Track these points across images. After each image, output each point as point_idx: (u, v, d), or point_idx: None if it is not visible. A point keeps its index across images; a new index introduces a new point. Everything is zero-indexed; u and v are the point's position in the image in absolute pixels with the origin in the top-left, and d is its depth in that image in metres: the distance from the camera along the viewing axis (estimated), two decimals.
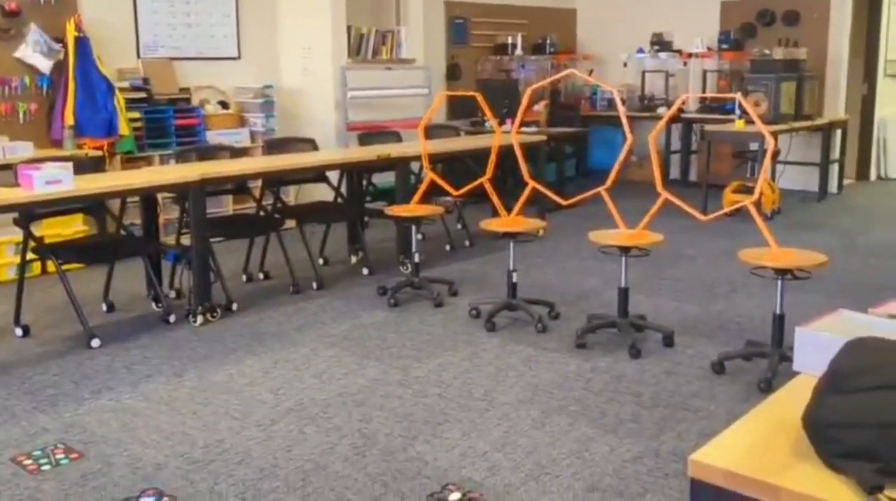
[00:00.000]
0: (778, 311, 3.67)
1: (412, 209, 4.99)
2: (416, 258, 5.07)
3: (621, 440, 3.15)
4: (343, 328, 4.52)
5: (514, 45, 9.35)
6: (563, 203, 4.39)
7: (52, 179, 4.00)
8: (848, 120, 8.70)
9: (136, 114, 6.32)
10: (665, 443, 3.12)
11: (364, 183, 6.19)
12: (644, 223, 4.07)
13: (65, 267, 4.39)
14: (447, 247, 6.32)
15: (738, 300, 4.94)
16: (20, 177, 4.07)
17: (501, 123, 8.49)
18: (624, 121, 4.15)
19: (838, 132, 8.54)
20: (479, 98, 4.82)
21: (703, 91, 9.28)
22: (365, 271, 5.66)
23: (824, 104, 8.60)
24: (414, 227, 5.07)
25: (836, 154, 8.54)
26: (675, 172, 9.56)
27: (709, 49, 9.23)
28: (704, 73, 9.32)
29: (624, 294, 4.14)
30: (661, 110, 9.41)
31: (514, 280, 4.54)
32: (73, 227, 5.63)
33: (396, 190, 5.70)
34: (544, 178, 6.44)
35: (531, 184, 4.42)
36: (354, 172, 5.93)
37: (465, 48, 9.09)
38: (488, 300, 4.74)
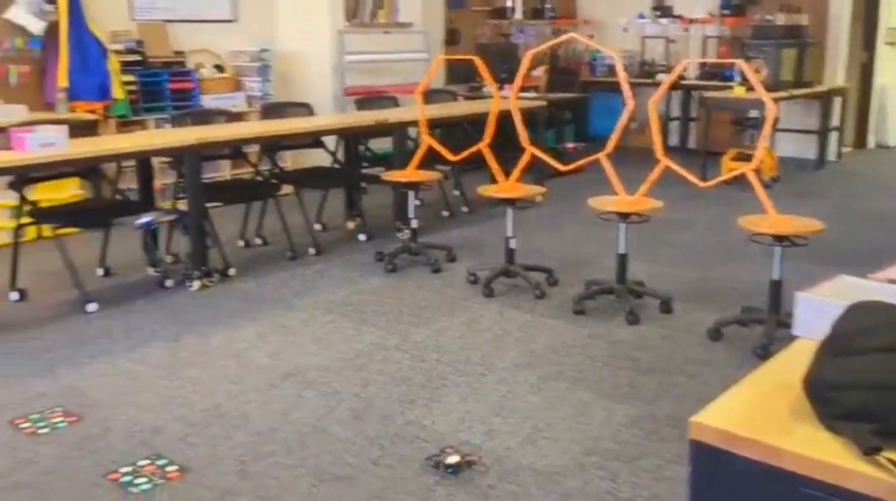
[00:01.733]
0: (775, 278, 3.66)
1: (409, 174, 4.96)
2: (414, 224, 5.05)
3: (618, 404, 3.16)
4: (341, 294, 4.52)
5: (512, 9, 9.24)
6: (562, 169, 4.37)
7: (46, 142, 3.96)
8: (848, 87, 8.63)
9: (131, 78, 6.25)
10: (661, 408, 3.13)
11: (361, 148, 6.14)
12: (643, 190, 4.05)
13: (60, 231, 4.37)
14: (445, 213, 6.30)
15: (736, 267, 4.93)
16: (13, 140, 4.02)
17: (500, 88, 8.44)
18: (624, 86, 4.11)
19: (837, 100, 8.48)
20: (478, 62, 4.76)
21: (704, 57, 9.20)
22: (362, 237, 5.65)
23: (824, 71, 8.53)
24: (411, 193, 5.03)
25: (835, 122, 8.49)
26: (674, 139, 9.51)
27: (710, 15, 9.12)
28: (705, 39, 9.22)
29: (622, 260, 4.13)
30: (660, 76, 9.30)
31: (512, 246, 4.53)
32: (69, 192, 5.59)
33: (394, 155, 5.66)
34: (543, 144, 6.39)
35: (529, 149, 4.39)
36: (352, 138, 5.88)
37: (463, 12, 8.99)
38: (486, 266, 4.73)
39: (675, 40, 9.46)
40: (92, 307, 4.23)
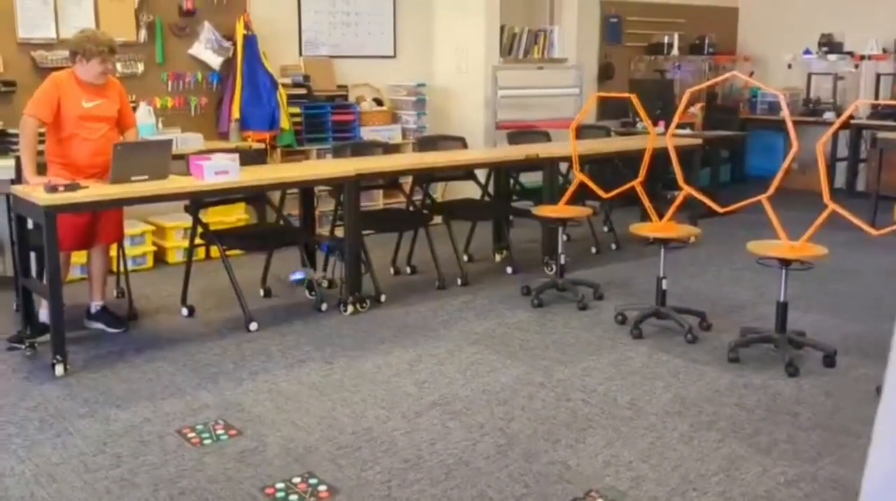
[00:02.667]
0: None
1: (560, 210, 4.95)
2: (562, 259, 5.02)
3: (775, 461, 3.00)
4: (487, 325, 4.55)
5: (669, 45, 9.09)
6: (720, 210, 4.23)
7: (221, 170, 4.24)
8: None
9: (297, 110, 6.60)
10: (823, 469, 2.94)
11: (511, 181, 6.19)
12: (808, 235, 3.85)
13: (228, 252, 4.64)
14: (593, 250, 6.23)
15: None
16: (192, 167, 4.34)
17: (654, 124, 8.31)
18: (790, 126, 3.94)
19: None
20: (634, 99, 4.71)
21: (876, 96, 8.68)
22: (509, 270, 5.67)
23: None
24: (561, 229, 5.02)
25: None
26: (840, 181, 9.01)
27: (884, 51, 8.62)
28: (878, 76, 8.71)
29: (783, 308, 3.93)
30: (827, 115, 8.88)
31: (664, 287, 4.41)
32: (236, 215, 5.95)
33: (543, 190, 5.67)
34: (697, 183, 6.21)
35: (686, 189, 4.28)
36: (502, 171, 5.94)
37: (618, 47, 8.92)
38: (635, 306, 4.63)
39: (844, 77, 8.99)
40: (253, 326, 4.46)
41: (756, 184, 5.86)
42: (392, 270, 5.66)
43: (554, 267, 5.53)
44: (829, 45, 9.07)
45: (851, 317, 4.66)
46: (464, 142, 6.08)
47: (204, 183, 4.18)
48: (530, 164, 5.71)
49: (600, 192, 4.84)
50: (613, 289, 5.18)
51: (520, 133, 6.51)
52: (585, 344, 4.24)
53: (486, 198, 5.91)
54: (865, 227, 3.80)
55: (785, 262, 3.86)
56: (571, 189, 4.94)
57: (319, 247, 5.01)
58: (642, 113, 4.70)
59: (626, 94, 4.84)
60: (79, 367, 3.92)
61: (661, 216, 4.46)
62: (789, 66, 9.23)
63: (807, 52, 9.20)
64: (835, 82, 9.04)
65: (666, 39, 9.08)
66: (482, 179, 5.92)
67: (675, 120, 4.42)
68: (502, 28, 7.62)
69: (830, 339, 4.18)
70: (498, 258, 6.03)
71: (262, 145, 6.23)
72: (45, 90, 4.14)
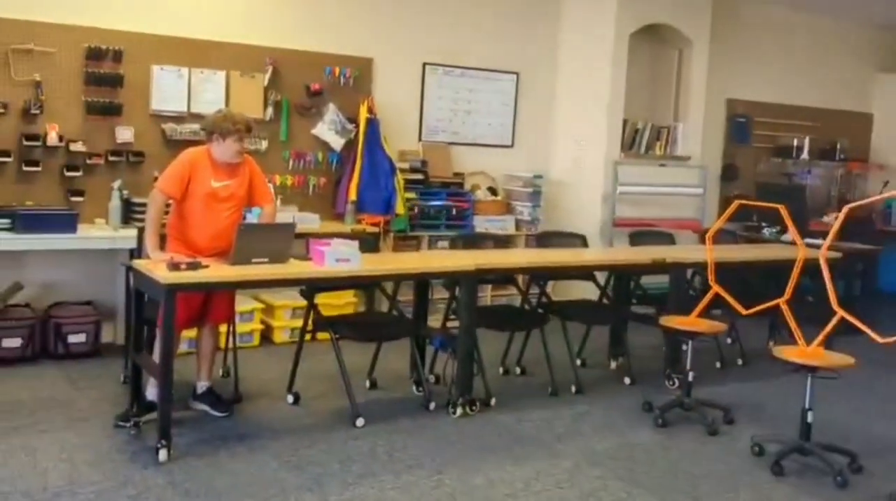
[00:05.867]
0: None
1: (691, 322, 4.60)
2: (690, 376, 4.64)
3: None
4: (607, 444, 4.19)
5: (799, 148, 8.68)
6: (881, 340, 3.78)
7: (342, 257, 4.11)
8: None
9: (413, 195, 6.50)
10: None
11: (631, 284, 5.86)
12: None
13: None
14: (717, 365, 5.80)
15: None
16: (312, 252, 4.22)
17: (783, 232, 7.86)
18: None
19: None
20: (783, 211, 4.37)
21: None
22: (626, 380, 5.31)
23: None
24: (690, 343, 4.64)
25: None
26: None
27: None
28: None
29: None
30: None
31: (810, 420, 3.97)
32: (345, 299, 5.82)
33: (669, 297, 5.33)
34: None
35: (840, 312, 3.88)
36: (623, 273, 5.63)
37: (744, 147, 8.58)
38: (773, 437, 4.18)
39: None
40: (360, 422, 4.23)
41: (890, 301, 5.34)
42: (501, 370, 5.38)
43: (677, 382, 5.15)
44: None
45: None
46: (584, 239, 5.83)
47: (324, 269, 4.05)
48: (653, 268, 5.39)
49: (738, 307, 4.47)
50: (744, 414, 4.73)
51: (642, 233, 6.20)
52: (720, 478, 3.82)
53: (605, 301, 5.61)
54: None
55: None
56: (706, 300, 4.59)
57: (431, 341, 4.79)
58: (791, 224, 4.35)
59: (775, 205, 4.50)
60: (182, 451, 3.76)
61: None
62: None
63: None
64: None
65: (795, 142, 8.68)
66: (601, 279, 5.64)
67: (832, 236, 4.05)
68: (625, 122, 7.42)
69: None
70: (613, 365, 5.67)
71: (377, 229, 6.14)
72: (179, 166, 4.13)
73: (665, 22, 7.46)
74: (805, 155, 8.67)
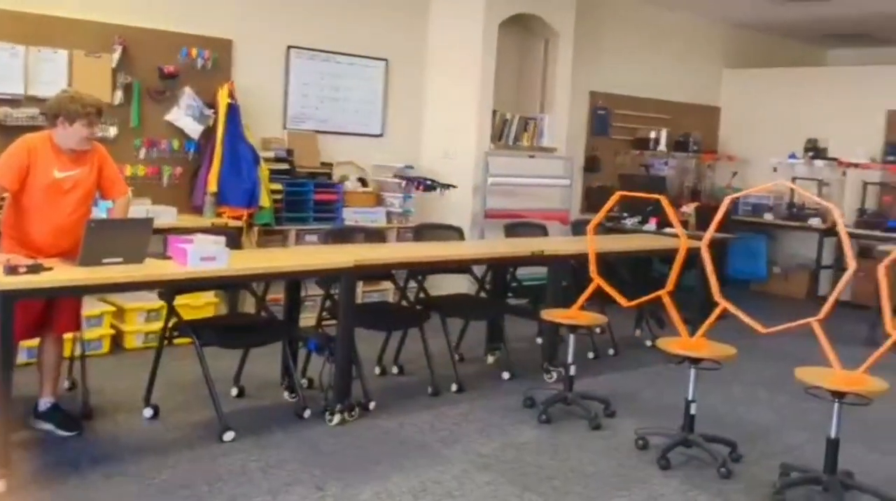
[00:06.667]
0: None
1: (574, 315, 4.53)
2: (572, 370, 4.58)
3: None
4: (493, 446, 4.04)
5: (656, 140, 8.93)
6: (762, 331, 3.81)
7: (208, 256, 3.73)
8: None
9: (278, 186, 6.13)
10: None
11: (507, 276, 5.77)
12: (867, 365, 3.49)
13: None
14: (590, 355, 5.81)
15: None
16: (173, 251, 3.82)
17: (645, 222, 8.05)
18: (846, 245, 3.61)
19: None
20: (664, 201, 4.37)
21: (862, 204, 8.60)
22: (506, 375, 5.20)
23: None
24: (572, 337, 4.58)
25: None
26: (823, 289, 8.86)
27: (872, 160, 8.59)
28: (865, 185, 8.65)
29: (833, 446, 3.53)
30: (812, 221, 8.77)
31: (693, 411, 3.99)
32: (204, 299, 5.40)
33: (547, 289, 5.27)
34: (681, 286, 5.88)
35: (723, 303, 3.90)
36: (501, 266, 5.53)
37: (605, 139, 8.72)
38: (658, 430, 4.17)
39: (830, 184, 8.90)
40: (228, 435, 3.88)
41: (738, 288, 5.49)
42: (378, 370, 5.14)
43: (555, 375, 5.10)
44: (815, 150, 9.04)
45: (883, 450, 4.29)
46: (461, 232, 5.69)
47: (187, 270, 3.66)
48: (531, 259, 5.31)
49: (621, 299, 4.44)
50: (623, 405, 4.73)
51: (518, 225, 6.13)
52: (610, 476, 3.76)
53: (484, 295, 5.48)
54: None
55: (838, 395, 3.48)
56: (588, 293, 4.53)
57: (305, 344, 4.48)
58: (673, 216, 4.35)
59: (655, 196, 4.50)
60: (24, 480, 3.29)
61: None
62: (775, 170, 9.12)
63: (792, 156, 9.14)
64: (819, 188, 8.94)
65: (652, 135, 8.92)
66: (477, 272, 5.51)
67: (714, 226, 4.06)
68: (494, 113, 7.34)
69: (876, 478, 3.78)
70: (491, 359, 5.56)
71: (239, 223, 5.73)
72: (15, 154, 3.61)
73: (532, 12, 7.42)
74: (662, 146, 8.93)
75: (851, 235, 8.25)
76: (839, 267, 8.65)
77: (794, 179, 9.09)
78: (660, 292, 4.20)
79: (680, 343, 4.03)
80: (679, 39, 9.38)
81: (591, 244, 4.54)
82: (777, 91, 9.56)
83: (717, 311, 3.90)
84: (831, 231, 8.56)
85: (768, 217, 9.00)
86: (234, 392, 4.54)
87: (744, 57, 10.00)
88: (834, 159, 8.85)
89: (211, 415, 3.97)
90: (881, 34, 9.55)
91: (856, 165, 8.67)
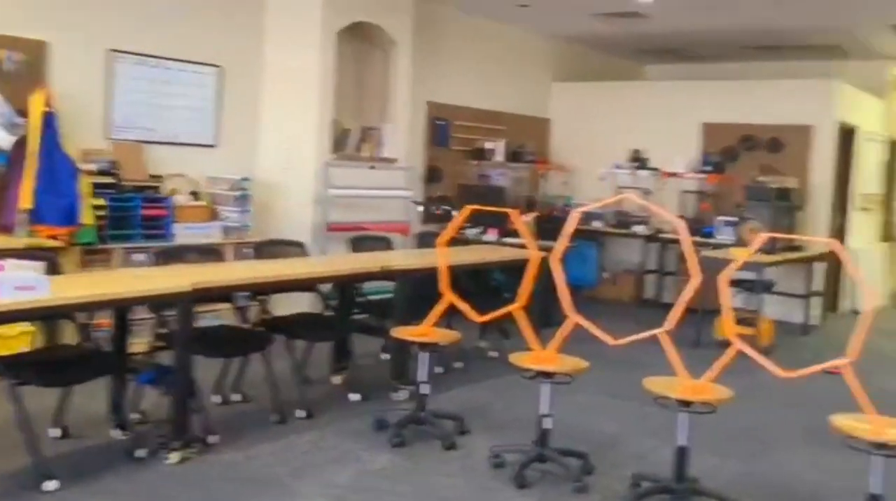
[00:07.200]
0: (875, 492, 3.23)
1: (426, 332, 4.44)
2: (426, 389, 4.48)
3: None
4: (348, 475, 3.87)
5: (493, 151, 9.07)
6: (612, 342, 3.89)
7: (24, 285, 3.32)
8: (832, 252, 8.63)
9: (101, 202, 5.64)
10: None
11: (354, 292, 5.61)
12: (712, 375, 3.62)
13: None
14: (438, 369, 5.75)
15: (792, 456, 4.51)
16: None
17: (484, 232, 8.14)
18: (690, 257, 3.74)
19: (818, 263, 8.43)
20: (515, 216, 4.38)
21: (681, 212, 9.13)
22: (354, 397, 5.04)
23: (805, 235, 8.52)
24: (423, 355, 4.47)
25: (815, 286, 8.41)
26: (649, 292, 9.34)
27: (690, 170, 9.14)
28: (683, 193, 9.20)
29: (681, 454, 3.65)
30: (637, 228, 9.22)
31: (547, 426, 4.00)
32: (19, 329, 4.85)
33: (395, 305, 5.15)
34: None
35: (574, 318, 3.94)
36: (348, 282, 5.36)
37: (444, 150, 8.75)
38: (513, 446, 4.16)
39: (652, 192, 9.38)
40: (51, 485, 3.47)
41: (571, 294, 5.57)
42: (219, 399, 4.82)
43: (405, 394, 5.00)
44: (638, 160, 9.51)
45: (729, 454, 4.48)
46: (303, 247, 5.46)
47: (1, 302, 3.23)
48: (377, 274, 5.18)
49: (474, 316, 4.40)
50: (476, 421, 4.69)
51: (362, 238, 5.97)
52: (469, 499, 3.69)
53: (329, 313, 5.29)
54: (775, 370, 3.64)
55: (685, 404, 3.59)
56: (440, 309, 4.45)
57: (136, 378, 4.10)
58: (524, 230, 4.36)
59: (505, 210, 4.49)
60: None
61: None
62: (602, 179, 9.51)
63: (617, 166, 9.56)
64: (643, 197, 9.40)
65: (489, 146, 9.05)
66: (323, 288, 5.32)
67: (565, 239, 4.09)
68: (334, 122, 7.15)
69: (718, 482, 3.95)
70: (338, 380, 5.37)
71: (57, 243, 5.21)
72: None
73: (370, 21, 7.30)
74: (498, 157, 9.07)
75: (672, 241, 8.82)
76: (663, 271, 9.16)
77: (619, 188, 9.55)
78: (512, 307, 4.19)
79: (532, 357, 4.03)
80: (513, 53, 9.59)
81: (443, 259, 4.47)
82: (602, 104, 9.99)
83: (568, 325, 3.93)
84: (654, 237, 9.06)
85: (597, 224, 9.36)
86: (57, 432, 4.10)
87: (571, 71, 10.38)
88: (656, 169, 9.35)
89: (28, 462, 3.54)
90: (692, 51, 10.21)
91: (675, 175, 9.19)
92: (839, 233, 9.23)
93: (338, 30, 6.96)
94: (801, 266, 8.13)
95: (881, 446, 3.14)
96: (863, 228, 9.71)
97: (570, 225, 4.07)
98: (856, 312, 9.49)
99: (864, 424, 3.20)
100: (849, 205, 9.36)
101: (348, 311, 5.48)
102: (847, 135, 9.06)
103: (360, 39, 7.50)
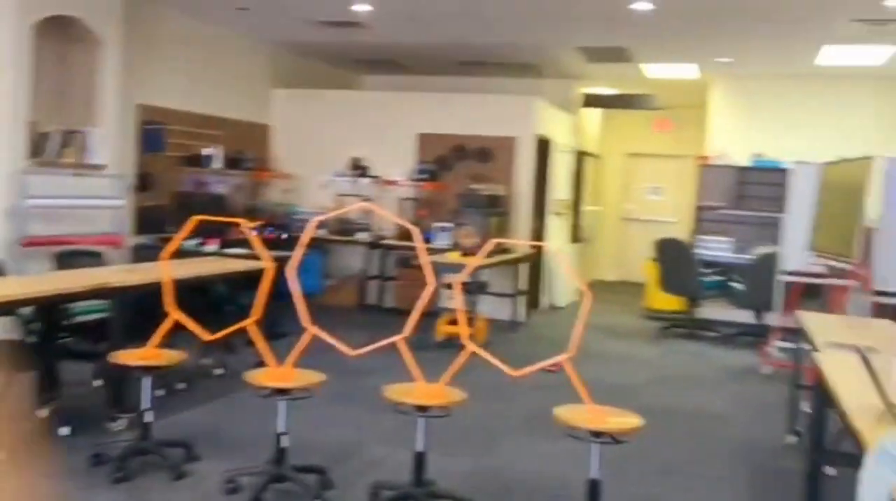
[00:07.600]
0: (594, 476, 3.55)
1: (149, 355, 4.12)
2: (150, 417, 4.16)
3: None
4: None
5: (210, 158, 8.69)
6: (352, 353, 3.88)
7: None
8: (535, 254, 9.40)
9: None
10: None
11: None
12: (447, 378, 3.75)
13: None
14: (160, 392, 5.36)
15: (517, 448, 4.79)
16: None
17: (203, 243, 7.76)
18: (426, 266, 3.85)
19: (522, 264, 9.14)
20: (245, 228, 4.21)
21: (399, 217, 9.42)
22: (65, 430, 4.55)
23: (510, 238, 9.20)
24: (147, 380, 4.15)
25: (520, 285, 9.11)
26: (372, 298, 9.52)
27: (407, 178, 9.46)
28: (401, 200, 9.50)
29: (420, 459, 3.74)
30: (359, 235, 9.37)
31: (285, 444, 3.90)
32: None
33: (113, 327, 4.73)
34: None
35: (311, 330, 3.88)
36: (55, 304, 4.82)
37: (157, 156, 8.21)
38: (247, 469, 3.99)
39: (372, 199, 9.58)
40: None
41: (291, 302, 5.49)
42: None
43: (125, 423, 4.62)
44: (359, 168, 9.66)
45: (459, 452, 4.67)
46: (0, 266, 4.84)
47: None
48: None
49: (203, 334, 4.16)
50: (206, 445, 4.43)
51: (70, 253, 5.41)
52: None
53: (33, 340, 4.73)
54: (508, 370, 3.84)
55: (422, 409, 3.69)
56: (164, 328, 4.16)
57: None
58: (257, 242, 4.21)
59: (236, 220, 4.30)
60: None
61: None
62: (324, 187, 9.53)
63: (338, 174, 9.65)
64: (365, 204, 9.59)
65: (207, 152, 8.67)
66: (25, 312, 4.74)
67: (299, 251, 4.01)
68: (30, 125, 6.40)
69: (452, 482, 4.10)
70: (45, 413, 4.81)
71: None
72: None
73: (72, 14, 6.64)
74: (219, 163, 8.73)
75: (393, 247, 9.08)
76: (384, 277, 9.39)
77: (339, 196, 9.64)
78: (247, 321, 4.03)
79: (269, 374, 3.91)
80: (229, 57, 9.27)
81: (167, 274, 4.18)
82: (322, 112, 10.02)
83: (306, 338, 3.87)
84: (376, 244, 9.27)
85: (321, 232, 9.36)
86: None
87: (291, 78, 10.28)
88: (376, 177, 9.56)
89: None
90: (409, 63, 10.60)
91: (394, 183, 9.48)
92: (538, 235, 10.08)
93: (33, 22, 6.25)
94: (509, 267, 8.76)
95: (599, 434, 3.45)
96: (557, 231, 10.69)
97: (307, 234, 4.01)
98: (554, 307, 10.43)
99: (584, 414, 3.50)
100: (546, 211, 10.26)
101: (54, 336, 4.94)
102: (543, 147, 9.93)
103: (62, 34, 6.80)
